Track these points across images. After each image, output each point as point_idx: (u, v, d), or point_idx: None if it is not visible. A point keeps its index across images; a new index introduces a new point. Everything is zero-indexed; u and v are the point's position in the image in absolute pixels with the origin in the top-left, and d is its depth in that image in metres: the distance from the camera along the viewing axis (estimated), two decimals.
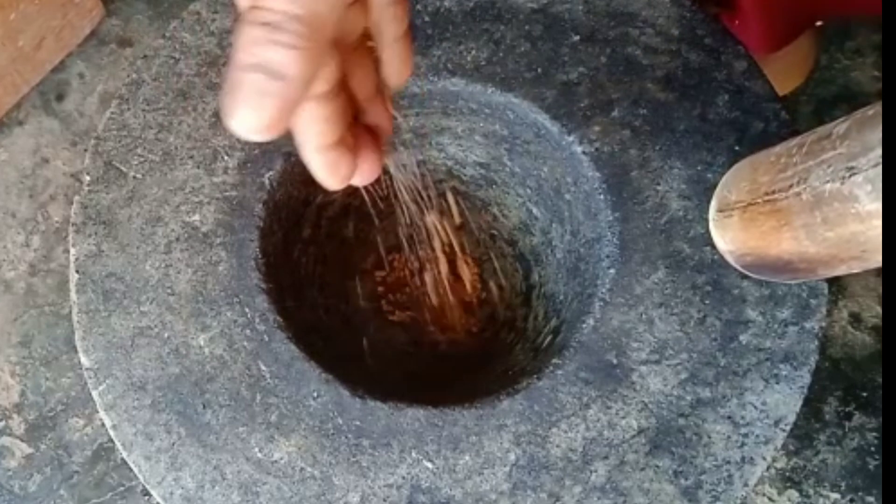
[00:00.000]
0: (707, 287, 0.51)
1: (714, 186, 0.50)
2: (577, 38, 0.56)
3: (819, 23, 0.82)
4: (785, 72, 0.87)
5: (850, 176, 0.34)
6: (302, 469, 0.48)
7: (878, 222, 0.33)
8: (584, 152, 0.54)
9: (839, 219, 0.35)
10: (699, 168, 0.53)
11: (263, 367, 0.49)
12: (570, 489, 0.47)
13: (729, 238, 0.46)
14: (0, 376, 0.78)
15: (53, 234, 0.83)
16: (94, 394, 0.49)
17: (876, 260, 0.36)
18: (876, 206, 0.33)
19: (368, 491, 0.47)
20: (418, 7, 0.57)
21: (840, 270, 0.39)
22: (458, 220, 0.66)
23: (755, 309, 0.50)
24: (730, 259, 0.47)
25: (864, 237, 0.35)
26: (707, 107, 0.54)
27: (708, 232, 0.50)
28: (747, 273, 0.47)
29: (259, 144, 0.54)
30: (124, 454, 0.48)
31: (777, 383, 0.49)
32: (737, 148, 0.53)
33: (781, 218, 0.40)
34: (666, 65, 0.55)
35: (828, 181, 0.36)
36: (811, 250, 0.39)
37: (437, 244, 0.63)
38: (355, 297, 0.67)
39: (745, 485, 0.47)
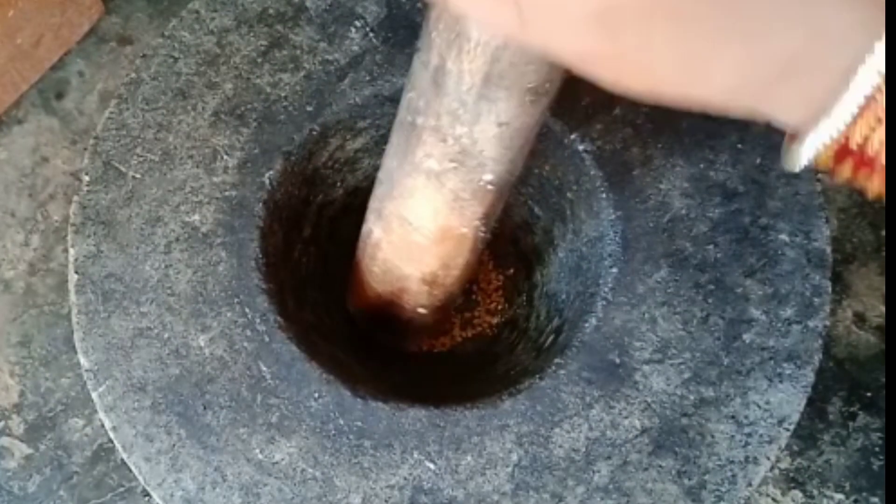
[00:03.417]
0: (710, 286, 0.50)
1: (716, 185, 0.50)
2: None
3: None
4: None
5: None
6: (303, 470, 0.47)
7: None
8: (585, 150, 0.53)
9: None
10: (701, 166, 0.53)
11: (264, 368, 0.49)
12: (572, 489, 0.47)
13: None
14: None
15: (53, 233, 0.82)
16: (94, 395, 0.49)
17: None
18: None
19: (370, 492, 0.47)
20: (418, 5, 0.56)
21: None
22: None
23: (758, 308, 0.50)
24: None
25: None
26: None
27: (710, 230, 0.50)
28: None
29: (259, 144, 0.54)
30: (125, 456, 0.48)
31: (781, 382, 0.49)
32: (739, 146, 0.53)
33: None
34: None
35: None
36: None
37: None
38: None
39: (749, 485, 0.47)
